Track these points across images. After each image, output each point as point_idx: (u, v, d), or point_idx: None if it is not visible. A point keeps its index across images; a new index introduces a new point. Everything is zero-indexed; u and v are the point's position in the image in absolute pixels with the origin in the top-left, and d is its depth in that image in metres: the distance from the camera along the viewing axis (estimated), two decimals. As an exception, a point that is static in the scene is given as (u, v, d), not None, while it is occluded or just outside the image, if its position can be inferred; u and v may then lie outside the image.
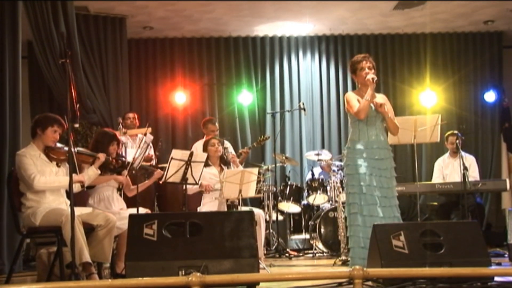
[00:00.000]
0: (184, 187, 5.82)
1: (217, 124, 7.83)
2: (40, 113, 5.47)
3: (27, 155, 4.88)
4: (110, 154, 5.48)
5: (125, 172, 5.59)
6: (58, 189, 5.03)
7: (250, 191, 6.06)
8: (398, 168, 5.44)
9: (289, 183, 8.42)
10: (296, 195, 8.27)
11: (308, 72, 9.87)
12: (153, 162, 6.47)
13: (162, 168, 6.21)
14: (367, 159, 5.09)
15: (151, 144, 6.52)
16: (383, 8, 8.65)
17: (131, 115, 7.82)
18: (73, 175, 4.45)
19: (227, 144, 7.84)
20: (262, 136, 8.05)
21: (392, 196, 5.10)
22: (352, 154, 5.17)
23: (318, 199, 7.91)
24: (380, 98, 5.30)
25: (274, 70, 9.83)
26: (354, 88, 9.73)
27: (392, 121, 5.21)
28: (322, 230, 7.48)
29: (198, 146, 7.70)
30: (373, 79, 5.14)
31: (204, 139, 7.73)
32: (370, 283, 3.91)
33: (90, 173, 5.16)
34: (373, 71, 5.22)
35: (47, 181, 4.87)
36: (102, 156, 5.25)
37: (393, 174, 5.17)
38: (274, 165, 8.20)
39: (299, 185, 8.47)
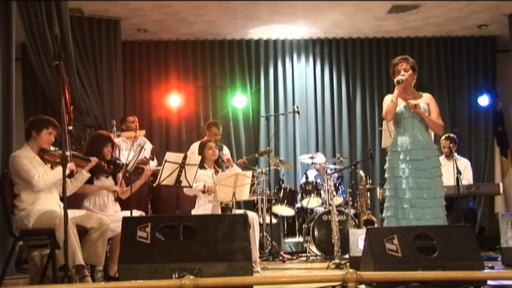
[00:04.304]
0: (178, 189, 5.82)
1: (221, 128, 7.80)
2: (33, 115, 5.47)
3: (22, 157, 4.87)
4: (105, 156, 5.50)
5: (120, 174, 5.59)
6: (53, 189, 5.03)
7: (244, 194, 6.06)
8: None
9: (283, 186, 8.43)
10: (290, 198, 8.28)
11: (302, 75, 9.88)
12: (149, 165, 6.46)
13: (156, 171, 6.21)
14: (405, 161, 5.08)
15: (145, 147, 6.52)
16: (378, 12, 8.67)
17: (131, 118, 7.79)
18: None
19: (226, 150, 7.84)
20: (267, 148, 8.09)
21: (434, 197, 5.04)
22: (391, 157, 5.20)
23: (312, 202, 7.91)
24: (425, 97, 5.27)
25: (269, 73, 9.83)
26: (348, 92, 9.84)
27: (430, 120, 5.16)
28: (316, 233, 7.49)
29: (197, 146, 7.66)
30: (397, 81, 5.14)
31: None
32: (363, 286, 3.91)
33: (80, 176, 5.16)
34: (410, 72, 5.20)
35: (49, 178, 4.88)
36: (94, 161, 5.26)
37: (436, 174, 5.11)
38: (268, 168, 8.20)
39: (293, 188, 8.48)
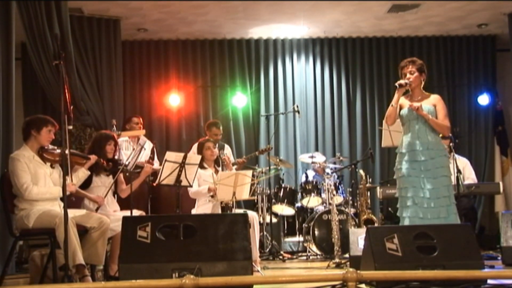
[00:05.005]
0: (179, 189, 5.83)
1: (221, 128, 7.79)
2: (34, 115, 5.47)
3: (20, 158, 4.87)
4: (107, 153, 5.53)
5: (121, 173, 5.61)
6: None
7: (244, 194, 6.06)
8: (392, 171, 5.47)
9: (283, 185, 8.42)
10: (290, 198, 8.27)
11: (302, 75, 9.87)
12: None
13: (156, 171, 6.20)
14: (409, 162, 5.12)
15: (145, 147, 6.52)
16: (377, 11, 8.66)
17: (136, 119, 7.77)
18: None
19: (228, 149, 7.84)
20: (267, 146, 8.13)
21: (437, 197, 5.04)
22: (398, 159, 5.26)
23: (312, 201, 7.92)
24: (432, 98, 5.29)
25: (269, 73, 9.82)
26: (348, 91, 9.83)
27: (434, 122, 5.18)
28: (316, 232, 7.49)
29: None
30: (395, 85, 5.16)
31: None
32: (363, 285, 3.91)
33: (80, 175, 5.18)
34: (416, 74, 5.21)
35: (39, 192, 4.87)
36: (93, 158, 5.27)
37: (441, 174, 5.11)
38: (268, 168, 8.20)
39: (293, 188, 8.47)
